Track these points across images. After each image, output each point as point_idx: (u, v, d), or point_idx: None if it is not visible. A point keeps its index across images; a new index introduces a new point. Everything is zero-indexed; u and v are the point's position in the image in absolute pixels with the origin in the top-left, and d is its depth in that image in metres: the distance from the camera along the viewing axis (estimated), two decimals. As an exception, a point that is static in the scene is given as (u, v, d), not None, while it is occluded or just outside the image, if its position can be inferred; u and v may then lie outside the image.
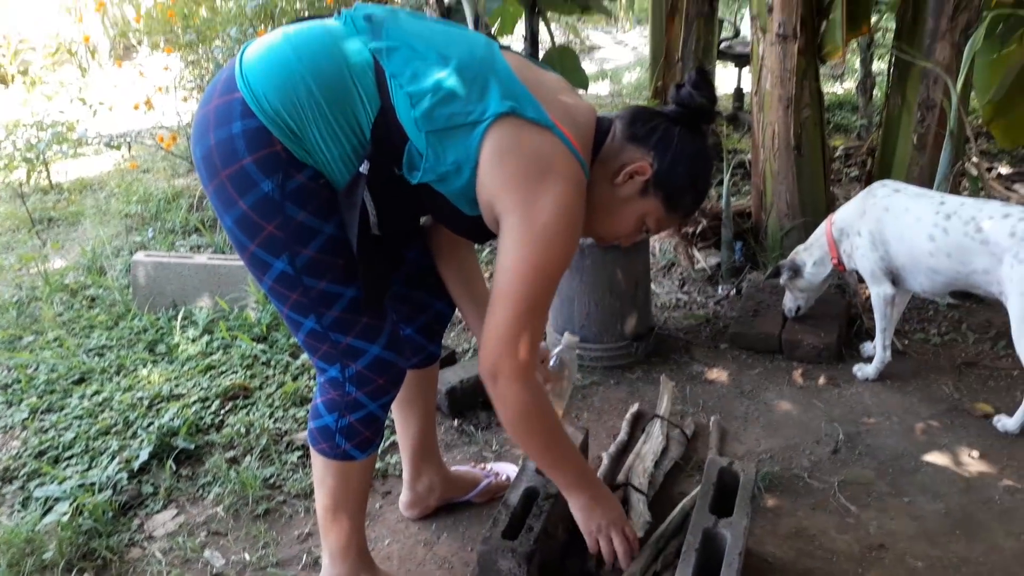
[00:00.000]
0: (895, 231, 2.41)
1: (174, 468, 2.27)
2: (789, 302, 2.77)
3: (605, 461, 2.17)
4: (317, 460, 1.61)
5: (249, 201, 1.36)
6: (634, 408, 2.44)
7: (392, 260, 1.64)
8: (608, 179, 1.48)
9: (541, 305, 1.42)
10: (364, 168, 1.37)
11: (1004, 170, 4.17)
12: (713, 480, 1.94)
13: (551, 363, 1.80)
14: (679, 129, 1.47)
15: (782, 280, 2.71)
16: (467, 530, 2.01)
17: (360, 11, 1.41)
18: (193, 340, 2.92)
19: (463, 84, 1.34)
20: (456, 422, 2.43)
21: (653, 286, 3.19)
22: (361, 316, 1.49)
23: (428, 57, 1.36)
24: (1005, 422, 2.30)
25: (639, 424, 2.38)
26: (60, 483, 2.18)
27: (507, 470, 2.16)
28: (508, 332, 1.38)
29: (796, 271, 2.67)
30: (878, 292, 2.50)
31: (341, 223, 1.41)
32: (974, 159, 3.30)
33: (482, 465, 2.21)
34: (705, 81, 1.48)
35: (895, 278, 2.48)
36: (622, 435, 2.32)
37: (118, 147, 4.50)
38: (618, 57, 8.22)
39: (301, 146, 1.35)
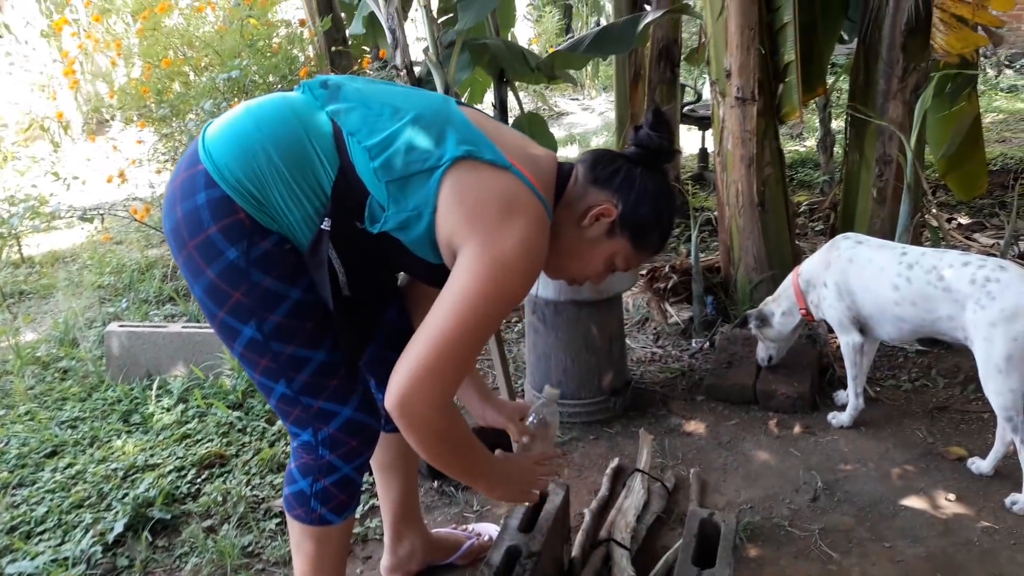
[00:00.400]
0: (860, 281, 2.47)
1: (150, 539, 2.23)
2: (762, 352, 2.82)
3: (587, 517, 2.17)
4: (293, 526, 1.60)
5: (216, 269, 1.38)
6: (614, 463, 2.45)
7: (369, 322, 1.65)
8: (574, 222, 1.50)
9: (478, 340, 1.36)
10: (326, 225, 1.39)
11: (964, 220, 4.31)
12: (695, 532, 1.95)
13: (530, 420, 1.76)
14: (640, 170, 1.50)
15: (752, 330, 2.76)
16: (450, 592, 1.99)
17: (317, 80, 1.47)
18: (168, 409, 2.89)
19: (419, 133, 1.38)
20: (436, 483, 2.42)
21: (628, 341, 3.23)
22: (331, 379, 1.49)
23: (384, 113, 1.40)
24: (979, 464, 2.34)
25: (620, 479, 2.39)
26: (32, 559, 2.13)
27: (489, 530, 2.15)
28: (436, 361, 1.31)
29: (764, 320, 2.73)
30: (847, 341, 2.55)
31: (308, 287, 1.43)
32: (933, 210, 3.42)
33: (464, 527, 2.19)
34: (661, 121, 1.51)
35: (863, 327, 2.54)
36: (603, 490, 2.32)
37: (91, 220, 4.49)
38: (585, 122, 8.42)
39: (265, 212, 1.38)
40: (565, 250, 1.52)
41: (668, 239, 1.59)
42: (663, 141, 1.50)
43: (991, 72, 8.28)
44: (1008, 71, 8.48)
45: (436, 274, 1.45)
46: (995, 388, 2.21)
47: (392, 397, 1.32)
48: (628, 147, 1.55)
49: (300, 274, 1.42)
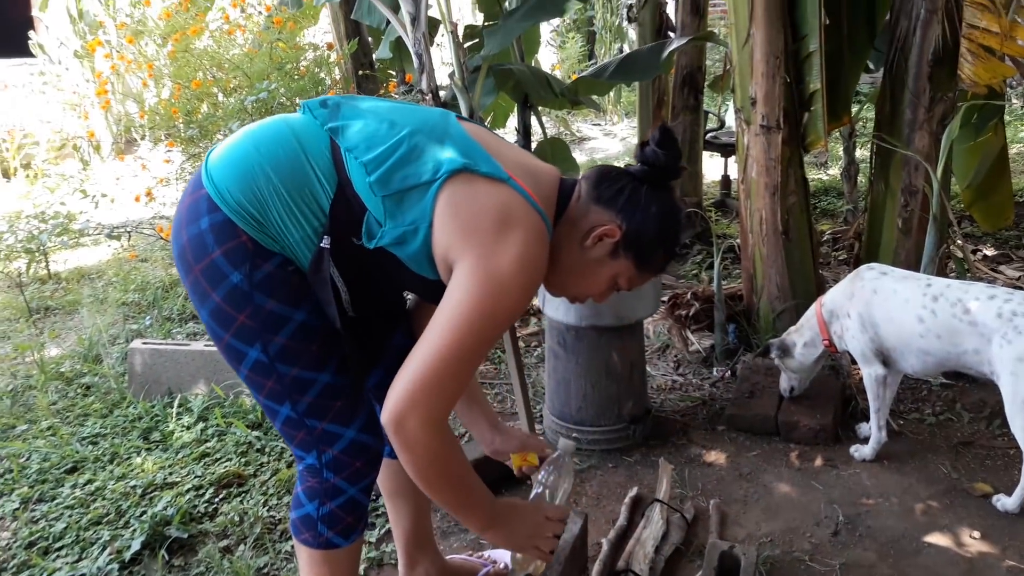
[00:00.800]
0: (884, 313, 2.45)
1: (167, 558, 2.23)
2: (784, 382, 2.79)
3: (605, 547, 2.15)
4: (301, 551, 1.58)
5: (220, 293, 1.40)
6: (633, 492, 2.42)
7: (375, 345, 1.63)
8: (577, 242, 1.48)
9: (476, 356, 1.34)
10: (326, 243, 1.39)
11: (989, 252, 4.26)
12: (714, 565, 1.93)
13: (542, 474, 1.68)
14: (645, 188, 1.48)
15: (775, 359, 2.74)
16: (465, 619, 1.97)
17: (317, 100, 1.47)
18: (188, 427, 2.91)
19: (416, 147, 1.37)
20: (453, 508, 2.40)
21: (648, 368, 3.21)
22: (336, 401, 1.49)
23: (381, 128, 1.40)
24: (1005, 501, 2.30)
25: (639, 509, 2.36)
26: (50, 575, 2.14)
27: (505, 557, 2.13)
28: (432, 378, 1.30)
29: (785, 351, 2.71)
30: (869, 373, 2.52)
31: (312, 309, 1.43)
32: (959, 242, 3.38)
33: (479, 554, 2.18)
34: (668, 138, 1.48)
35: (886, 359, 2.51)
36: (621, 520, 2.29)
37: (118, 237, 4.56)
38: (608, 147, 8.44)
39: (266, 233, 1.39)
40: (566, 268, 1.51)
41: (673, 258, 1.57)
42: (670, 159, 1.47)
43: (1017, 103, 8.22)
44: (1035, 102, 8.42)
45: (435, 291, 1.42)
46: (1022, 424, 2.17)
47: (386, 413, 1.30)
48: (634, 164, 1.52)
49: (304, 296, 1.43)
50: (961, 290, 2.31)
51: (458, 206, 1.35)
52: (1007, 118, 6.87)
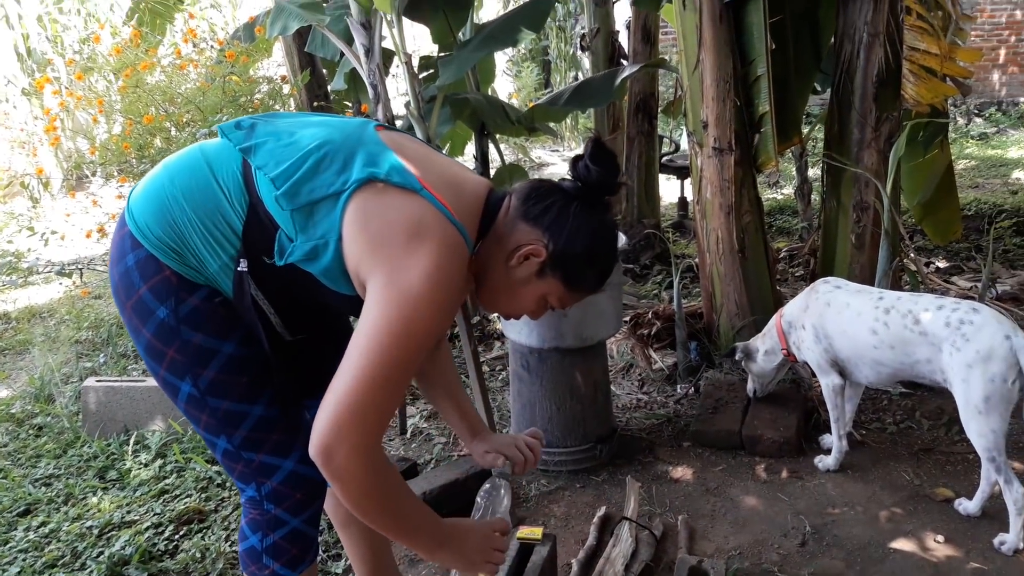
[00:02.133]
0: (837, 326, 2.50)
1: (125, 599, 2.17)
2: (749, 383, 2.89)
3: (575, 568, 2.14)
4: None
5: (150, 329, 1.38)
6: (601, 511, 2.42)
7: (318, 371, 1.54)
8: (503, 260, 1.42)
9: (399, 378, 1.27)
10: (243, 266, 1.37)
11: (941, 264, 4.37)
12: (685, 579, 1.92)
13: (478, 499, 1.64)
14: (576, 205, 1.41)
15: (739, 361, 2.85)
16: (436, 647, 1.94)
17: (231, 122, 1.43)
18: (145, 464, 2.83)
19: (326, 159, 1.32)
20: (421, 536, 2.37)
21: (613, 387, 3.22)
22: (271, 433, 1.46)
23: (292, 143, 1.36)
24: (966, 505, 2.34)
25: (607, 527, 2.35)
26: (2, 622, 2.06)
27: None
28: (355, 407, 1.22)
29: (749, 354, 2.80)
30: (827, 383, 2.56)
31: (241, 341, 1.41)
32: (911, 255, 3.46)
33: (449, 579, 2.15)
34: (602, 152, 1.41)
35: (841, 370, 2.55)
36: (591, 540, 2.29)
37: (69, 275, 4.46)
38: (565, 172, 8.53)
39: (188, 265, 1.37)
40: (494, 286, 1.46)
41: (607, 278, 1.51)
42: (603, 175, 1.41)
43: (961, 121, 8.51)
44: (978, 119, 8.72)
45: (357, 306, 1.34)
46: (976, 429, 2.22)
47: (313, 446, 1.23)
48: (566, 180, 1.47)
49: (232, 328, 1.41)
50: (911, 302, 2.37)
51: (367, 218, 1.29)
52: (951, 136, 7.11)
